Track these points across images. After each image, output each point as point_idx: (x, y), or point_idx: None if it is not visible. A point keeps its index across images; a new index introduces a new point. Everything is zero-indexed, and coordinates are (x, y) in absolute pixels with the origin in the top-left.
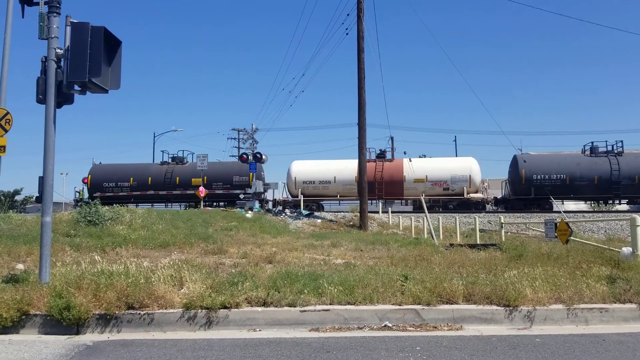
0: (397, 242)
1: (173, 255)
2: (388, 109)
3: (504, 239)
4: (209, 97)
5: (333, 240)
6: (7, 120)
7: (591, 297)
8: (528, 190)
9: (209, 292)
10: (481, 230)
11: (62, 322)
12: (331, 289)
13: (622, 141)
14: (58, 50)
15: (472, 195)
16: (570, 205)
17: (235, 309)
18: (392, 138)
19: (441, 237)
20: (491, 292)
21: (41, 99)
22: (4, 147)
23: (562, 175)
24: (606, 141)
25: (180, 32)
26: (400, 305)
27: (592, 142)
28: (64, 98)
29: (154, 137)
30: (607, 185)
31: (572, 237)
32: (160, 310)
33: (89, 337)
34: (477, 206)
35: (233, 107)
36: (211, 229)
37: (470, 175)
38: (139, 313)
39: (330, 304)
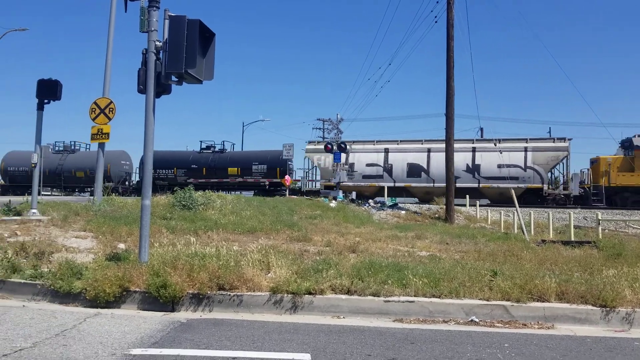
0: (485, 237)
1: (260, 241)
2: (478, 98)
3: (600, 236)
4: (295, 88)
5: (417, 232)
6: (111, 109)
7: None
8: None
9: (294, 278)
10: (575, 227)
11: (159, 300)
12: (416, 281)
13: None
14: (157, 43)
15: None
16: None
17: (320, 296)
18: (481, 129)
19: (532, 232)
20: (586, 291)
21: (142, 89)
22: (108, 134)
23: None
24: None
25: (266, 29)
26: (488, 300)
27: None
28: (162, 88)
29: (243, 126)
30: None
31: None
32: (249, 293)
33: (183, 315)
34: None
35: (319, 98)
36: (296, 216)
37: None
38: (229, 294)
39: (414, 296)
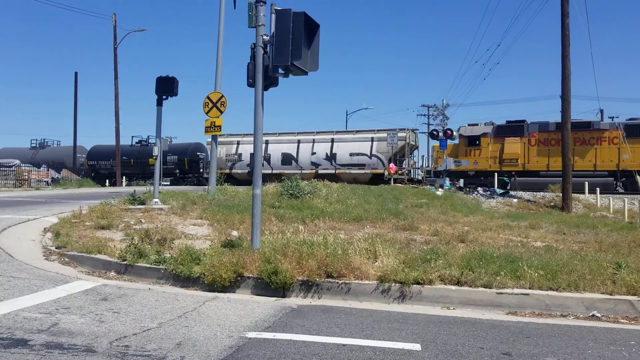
0: (607, 226)
1: (366, 229)
2: (597, 79)
3: None
4: (399, 74)
5: (531, 221)
6: (222, 103)
7: None
8: None
9: (402, 267)
10: None
11: (271, 285)
12: (531, 273)
13: None
14: (264, 37)
15: None
16: None
17: (428, 286)
18: (601, 111)
19: None
20: None
21: (251, 82)
22: (220, 126)
23: None
24: None
25: (369, 16)
26: (611, 294)
27: None
28: (269, 81)
29: (347, 114)
30: None
31: None
32: (357, 281)
33: (294, 301)
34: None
35: (423, 84)
36: (401, 205)
37: None
38: (337, 282)
39: (529, 288)
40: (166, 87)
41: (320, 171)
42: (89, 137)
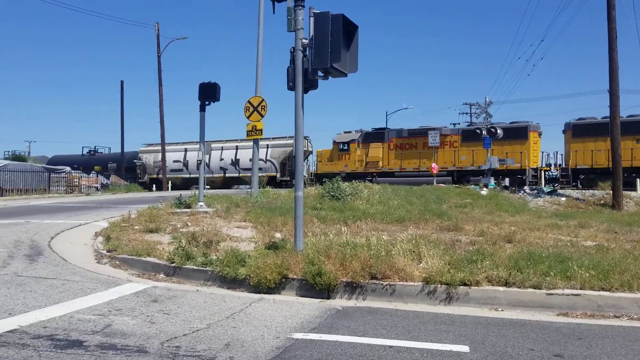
0: None
1: (409, 230)
2: None
3: None
4: (439, 72)
5: (580, 220)
6: (263, 107)
7: None
8: None
9: (447, 268)
10: None
11: (315, 287)
12: (581, 273)
13: None
14: (304, 41)
15: None
16: None
17: (475, 287)
18: None
19: None
20: None
21: (291, 86)
22: (261, 130)
23: None
24: None
25: (407, 18)
26: None
27: None
28: (309, 84)
29: (387, 115)
30: None
31: None
32: (401, 283)
33: (338, 302)
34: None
35: (465, 82)
36: (445, 205)
37: None
38: (382, 283)
39: (580, 289)
40: (209, 93)
41: (227, 175)
42: (134, 141)
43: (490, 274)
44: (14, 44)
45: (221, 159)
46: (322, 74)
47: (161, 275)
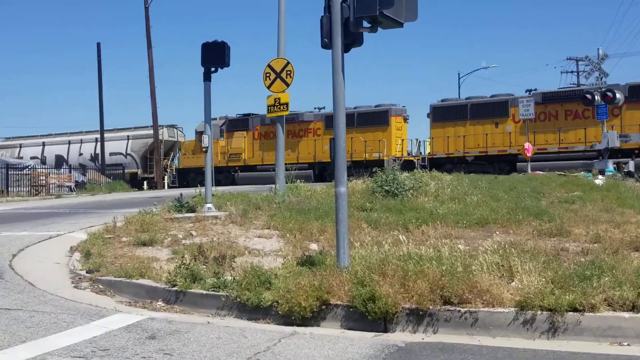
0: None
1: (495, 237)
2: None
3: None
4: (530, 21)
5: None
6: (288, 73)
7: None
8: None
9: (550, 288)
10: None
11: (367, 316)
12: None
13: None
14: None
15: None
16: None
17: (590, 313)
18: None
19: None
20: None
21: (326, 43)
22: (287, 104)
23: None
24: None
25: None
26: None
27: None
28: (351, 39)
29: (459, 77)
30: None
31: None
32: (486, 309)
33: (400, 337)
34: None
35: (568, 30)
36: (544, 200)
37: None
38: (459, 310)
39: None
40: (215, 56)
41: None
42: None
43: (611, 295)
44: None
45: (80, 154)
46: (368, 25)
47: (159, 303)
